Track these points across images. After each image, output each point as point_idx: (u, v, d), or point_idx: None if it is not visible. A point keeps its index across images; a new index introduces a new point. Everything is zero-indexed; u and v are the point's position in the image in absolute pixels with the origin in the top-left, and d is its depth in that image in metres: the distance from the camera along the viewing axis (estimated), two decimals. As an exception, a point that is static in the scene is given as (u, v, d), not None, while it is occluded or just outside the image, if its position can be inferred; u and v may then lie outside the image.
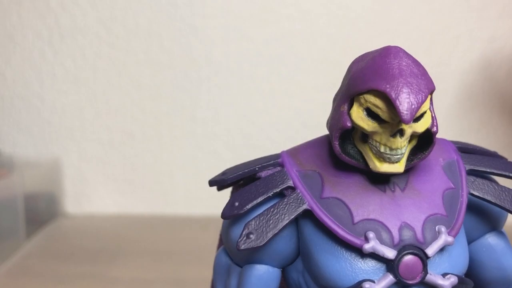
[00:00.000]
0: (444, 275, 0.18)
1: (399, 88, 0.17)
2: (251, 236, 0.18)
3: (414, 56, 0.18)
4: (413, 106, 0.17)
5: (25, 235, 0.52)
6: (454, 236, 0.18)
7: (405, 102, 0.17)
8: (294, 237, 0.19)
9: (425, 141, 0.19)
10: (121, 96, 0.60)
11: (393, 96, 0.17)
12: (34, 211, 0.55)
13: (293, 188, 0.19)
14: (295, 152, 0.21)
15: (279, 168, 0.20)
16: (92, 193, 0.61)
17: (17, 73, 0.61)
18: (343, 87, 0.19)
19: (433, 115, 0.18)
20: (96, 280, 0.43)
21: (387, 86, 0.17)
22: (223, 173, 0.21)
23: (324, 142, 0.21)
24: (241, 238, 0.18)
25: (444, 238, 0.18)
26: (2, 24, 0.60)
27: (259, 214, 0.19)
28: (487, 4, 0.57)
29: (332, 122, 0.19)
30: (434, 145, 0.19)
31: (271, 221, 0.18)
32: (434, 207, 0.19)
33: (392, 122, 0.17)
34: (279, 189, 0.19)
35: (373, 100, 0.17)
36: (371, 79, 0.17)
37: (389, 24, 0.57)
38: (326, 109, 0.65)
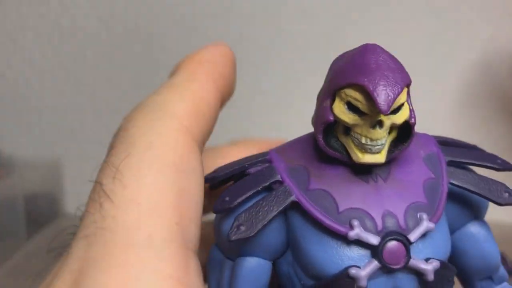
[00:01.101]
0: (426, 260, 0.19)
1: (376, 81, 0.18)
2: (241, 227, 0.19)
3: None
4: (389, 97, 0.18)
5: (26, 236, 0.52)
6: (436, 223, 0.19)
7: (382, 93, 0.18)
8: (283, 229, 0.20)
9: (405, 134, 0.20)
10: (122, 96, 0.60)
11: (371, 88, 0.18)
12: (35, 212, 0.55)
13: (281, 182, 0.20)
14: (282, 149, 0.22)
15: (267, 164, 0.21)
16: (92, 193, 0.61)
17: (17, 73, 0.61)
18: (325, 84, 0.21)
19: (411, 107, 0.20)
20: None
21: (365, 79, 0.18)
22: (214, 171, 0.22)
23: (309, 139, 0.22)
24: (232, 229, 0.19)
25: (425, 224, 0.19)
26: (2, 24, 0.60)
27: (248, 207, 0.19)
28: (487, 4, 0.57)
29: (316, 118, 0.20)
30: (413, 137, 0.20)
31: (260, 213, 0.19)
32: (416, 195, 0.20)
33: (372, 114, 0.18)
34: (267, 183, 0.20)
35: (353, 94, 0.18)
36: (351, 74, 0.18)
37: (389, 24, 0.58)
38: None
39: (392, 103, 0.18)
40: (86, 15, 0.59)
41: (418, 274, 0.19)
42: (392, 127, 0.19)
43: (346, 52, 0.21)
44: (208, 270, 0.22)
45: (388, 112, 0.18)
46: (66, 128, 0.61)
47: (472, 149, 0.23)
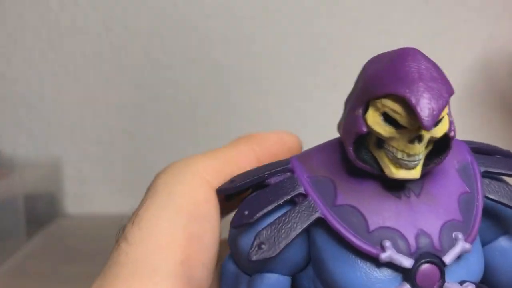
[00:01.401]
0: (461, 283, 0.18)
1: (419, 93, 0.16)
2: (263, 246, 0.17)
3: None
4: (434, 112, 0.16)
5: (25, 236, 0.52)
6: (471, 243, 0.18)
7: (426, 108, 0.16)
8: (305, 244, 0.19)
9: (441, 145, 0.18)
10: (122, 96, 0.60)
11: (414, 101, 0.16)
12: (34, 212, 0.55)
13: (304, 195, 0.18)
14: (305, 157, 0.20)
15: (289, 174, 0.19)
16: (93, 194, 0.61)
17: (17, 73, 0.61)
18: (356, 90, 0.18)
19: (451, 119, 0.18)
20: (96, 280, 0.43)
21: (407, 90, 0.16)
22: (231, 180, 0.21)
23: (335, 147, 0.20)
24: (253, 248, 0.17)
25: (461, 245, 0.18)
26: (2, 24, 0.60)
27: (270, 224, 0.18)
28: (487, 4, 0.57)
29: (346, 127, 0.18)
30: (450, 150, 0.18)
31: (283, 231, 0.18)
32: (450, 212, 0.18)
33: (411, 128, 0.17)
34: (289, 197, 0.18)
35: (391, 105, 0.17)
36: (389, 83, 0.17)
37: (389, 24, 0.57)
38: (326, 110, 0.65)
39: (437, 118, 0.16)
40: (86, 15, 0.59)
41: None
42: (430, 140, 0.18)
43: (382, 55, 0.18)
44: (221, 282, 0.21)
45: (431, 128, 0.16)
46: (66, 128, 0.61)
47: (506, 156, 0.21)
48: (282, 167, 0.20)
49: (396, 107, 0.17)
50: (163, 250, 0.19)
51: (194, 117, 0.60)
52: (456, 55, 0.58)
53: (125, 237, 0.19)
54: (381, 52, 0.19)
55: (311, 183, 0.19)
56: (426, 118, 0.16)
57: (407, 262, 0.17)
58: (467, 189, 0.19)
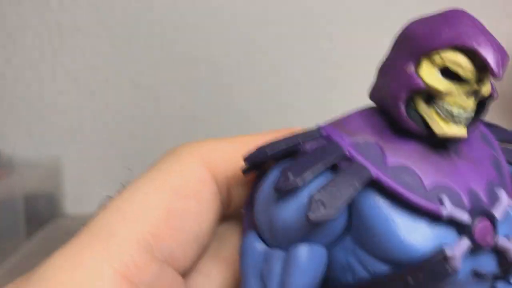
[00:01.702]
0: (507, 237, 0.17)
1: (487, 44, 0.16)
2: (321, 206, 0.16)
3: None
4: (500, 61, 0.16)
5: (25, 236, 0.52)
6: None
7: (494, 56, 0.16)
8: (345, 213, 0.18)
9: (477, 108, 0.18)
10: (121, 96, 0.60)
11: (483, 52, 0.16)
12: (34, 212, 0.55)
13: (349, 160, 0.17)
14: (339, 123, 0.19)
15: (325, 141, 0.18)
16: (93, 193, 0.61)
17: (16, 73, 0.61)
18: (400, 49, 0.18)
19: (491, 81, 0.18)
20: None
21: (474, 42, 0.16)
22: (258, 149, 0.19)
23: (371, 112, 0.19)
24: (311, 207, 0.16)
25: (506, 199, 0.18)
26: (1, 24, 0.60)
27: (322, 186, 0.17)
28: (487, 4, 0.57)
29: (394, 86, 0.17)
30: (487, 111, 0.18)
31: (338, 192, 0.16)
32: (489, 172, 0.18)
33: (471, 82, 0.17)
34: (334, 159, 0.17)
35: (454, 58, 0.17)
36: (451, 35, 0.17)
37: (389, 24, 0.57)
38: (326, 110, 0.65)
39: (503, 68, 0.16)
40: (86, 15, 0.59)
41: (498, 252, 0.17)
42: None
43: (425, 17, 0.18)
44: (244, 265, 0.19)
45: (501, 75, 0.16)
46: (66, 128, 0.61)
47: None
48: (313, 134, 0.19)
49: (460, 59, 0.17)
50: (131, 219, 0.19)
51: (194, 117, 0.60)
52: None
53: (105, 205, 0.19)
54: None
55: (354, 146, 0.18)
56: (496, 66, 0.16)
57: (465, 217, 0.17)
58: (494, 153, 0.19)
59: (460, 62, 0.17)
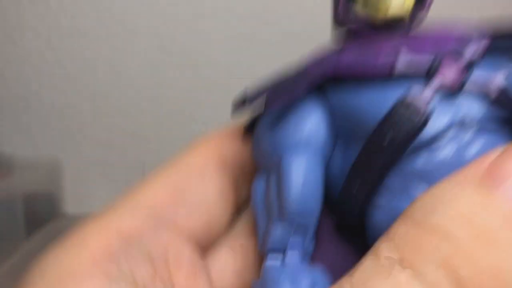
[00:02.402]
0: (490, 76, 0.16)
1: None
2: (278, 93, 0.17)
3: None
4: None
5: (24, 236, 0.52)
6: (490, 41, 0.17)
7: None
8: (324, 118, 0.18)
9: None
10: (121, 96, 0.60)
11: None
12: (34, 212, 0.55)
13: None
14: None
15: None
16: (92, 194, 0.61)
17: (16, 73, 0.60)
18: None
19: None
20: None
21: None
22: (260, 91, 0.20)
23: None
24: (266, 99, 0.17)
25: (478, 40, 0.17)
26: (1, 24, 0.60)
27: (276, 83, 0.18)
28: (488, 4, 0.57)
29: None
30: None
31: (297, 81, 0.17)
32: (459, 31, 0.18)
33: None
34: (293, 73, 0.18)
35: None
36: None
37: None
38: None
39: None
40: (86, 15, 0.59)
41: (484, 90, 0.16)
42: None
43: None
44: (253, 207, 0.19)
45: None
46: (66, 128, 0.61)
47: None
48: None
49: None
50: (132, 192, 0.20)
51: (194, 117, 0.60)
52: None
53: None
54: None
55: (314, 61, 0.19)
56: None
57: (424, 59, 0.16)
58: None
59: None
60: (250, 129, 0.21)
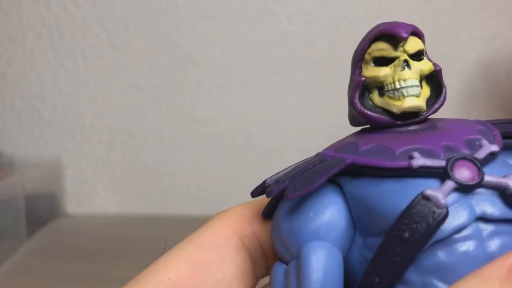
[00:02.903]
0: (504, 176, 0.17)
1: (390, 24, 0.19)
2: (298, 185, 0.17)
3: None
4: (405, 27, 0.19)
5: (26, 235, 0.52)
6: (500, 146, 0.18)
7: (398, 26, 0.19)
8: (343, 207, 0.18)
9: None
10: (122, 96, 0.60)
11: (387, 27, 0.19)
12: (35, 211, 0.55)
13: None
14: (330, 145, 0.21)
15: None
16: (93, 193, 0.61)
17: (17, 74, 0.61)
18: (351, 70, 0.21)
19: (433, 62, 0.20)
20: (97, 280, 0.43)
21: (382, 28, 0.19)
22: (276, 181, 0.20)
23: (349, 135, 0.21)
24: (288, 190, 0.17)
25: (488, 145, 0.18)
26: (2, 25, 0.60)
27: (300, 173, 0.18)
28: (487, 4, 0.57)
29: (349, 90, 0.20)
30: (445, 88, 0.20)
31: (316, 174, 0.17)
32: (470, 133, 0.18)
33: (397, 55, 0.19)
34: (316, 162, 0.19)
35: (375, 47, 0.19)
36: (369, 35, 0.20)
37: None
38: (326, 109, 0.65)
39: (409, 30, 0.19)
40: (86, 16, 0.59)
41: (499, 190, 0.17)
42: (422, 78, 0.20)
43: None
44: None
45: (407, 35, 0.19)
46: (67, 128, 0.61)
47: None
48: (308, 158, 0.20)
49: (379, 45, 0.19)
50: (154, 268, 0.21)
51: (194, 117, 0.60)
52: (456, 55, 0.58)
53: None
54: None
55: (334, 150, 0.19)
56: (400, 30, 0.19)
57: (439, 162, 0.17)
58: (482, 126, 0.19)
59: (379, 47, 0.19)
60: (267, 215, 0.21)
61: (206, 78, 0.59)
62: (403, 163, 0.17)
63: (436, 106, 0.20)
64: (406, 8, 0.57)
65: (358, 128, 0.21)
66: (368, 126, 0.20)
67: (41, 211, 0.57)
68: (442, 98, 0.20)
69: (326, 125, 0.59)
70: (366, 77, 0.19)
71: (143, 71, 0.60)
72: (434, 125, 0.20)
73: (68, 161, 0.61)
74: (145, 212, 0.61)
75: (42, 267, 0.47)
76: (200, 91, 0.60)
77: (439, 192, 0.16)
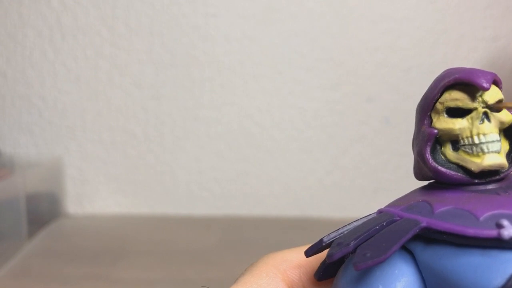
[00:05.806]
0: None
1: (469, 71, 0.17)
2: (367, 254, 0.16)
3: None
4: (486, 76, 0.17)
5: (27, 236, 0.51)
6: None
7: (478, 75, 0.17)
8: (416, 279, 0.17)
9: None
10: (123, 95, 0.60)
11: (463, 75, 0.17)
12: (36, 211, 0.55)
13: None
14: (393, 202, 0.19)
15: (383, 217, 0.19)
16: (94, 193, 0.61)
17: (18, 73, 0.60)
18: (416, 120, 0.19)
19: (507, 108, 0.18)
20: (98, 280, 0.43)
21: (457, 75, 0.17)
22: (338, 243, 0.18)
23: (421, 187, 0.19)
24: (357, 259, 0.16)
25: None
26: (2, 23, 0.60)
27: (369, 239, 0.16)
28: (491, 3, 0.57)
29: (419, 143, 0.18)
30: None
31: (386, 241, 0.16)
32: None
33: (475, 107, 0.17)
34: (386, 224, 0.17)
35: (449, 97, 0.18)
36: (440, 84, 0.18)
37: (392, 24, 0.57)
38: (329, 109, 0.65)
39: (490, 80, 0.17)
40: (87, 15, 0.59)
41: None
42: (500, 130, 0.18)
43: None
44: None
45: (489, 87, 0.17)
46: (67, 128, 0.61)
47: None
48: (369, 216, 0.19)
49: (455, 94, 0.17)
50: None
51: (194, 117, 0.60)
52: (459, 55, 0.57)
53: None
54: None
55: (404, 210, 0.18)
56: (482, 80, 0.17)
57: None
58: None
59: (454, 96, 0.17)
60: (321, 277, 0.20)
61: (209, 77, 0.59)
62: (492, 233, 0.15)
63: None
64: (410, 8, 0.57)
65: (423, 183, 0.20)
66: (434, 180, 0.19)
67: (42, 211, 0.57)
68: None
69: (329, 124, 0.58)
70: (438, 129, 0.18)
71: (145, 69, 0.59)
72: (506, 185, 0.18)
73: (69, 161, 0.61)
74: (146, 212, 0.61)
75: (43, 268, 0.46)
76: (203, 90, 0.59)
77: None
